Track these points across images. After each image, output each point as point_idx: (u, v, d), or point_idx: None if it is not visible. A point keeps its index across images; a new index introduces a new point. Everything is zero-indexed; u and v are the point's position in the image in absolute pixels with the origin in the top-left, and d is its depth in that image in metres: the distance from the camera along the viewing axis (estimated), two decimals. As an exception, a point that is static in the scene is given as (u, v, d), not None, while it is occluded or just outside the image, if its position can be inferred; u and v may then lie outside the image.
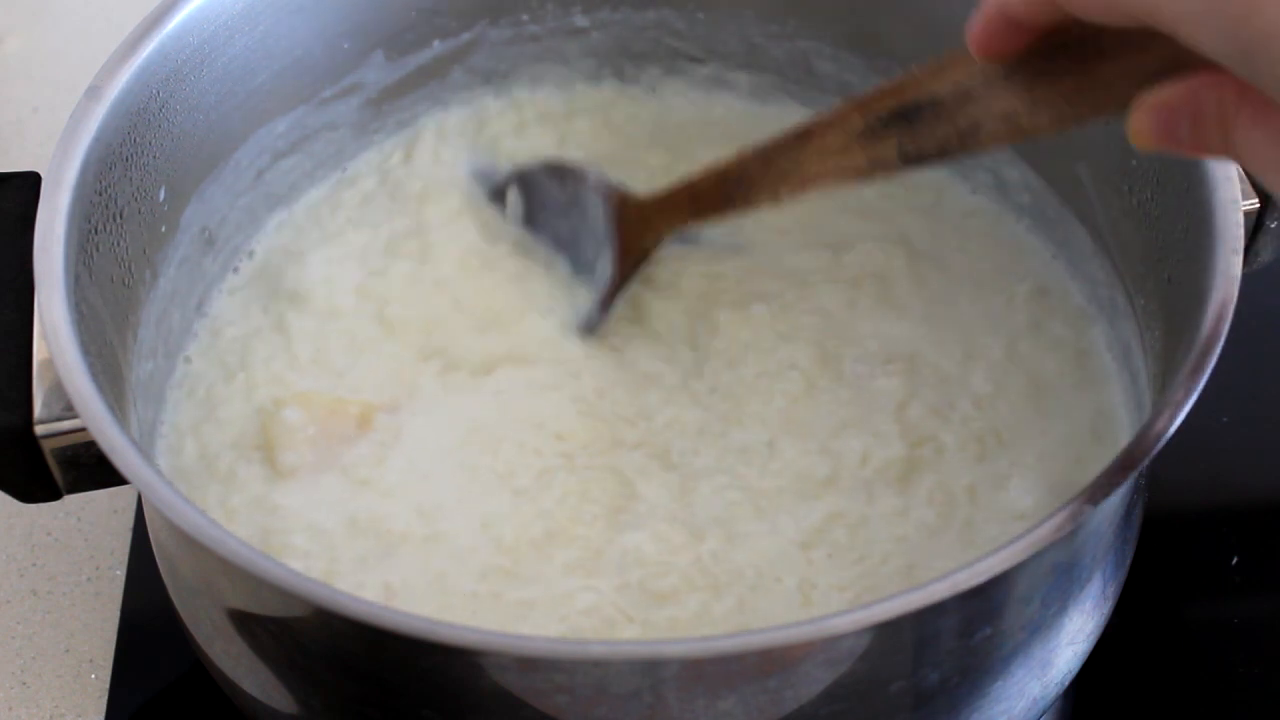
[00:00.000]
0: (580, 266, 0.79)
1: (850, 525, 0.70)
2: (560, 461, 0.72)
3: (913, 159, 0.63)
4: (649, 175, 0.83)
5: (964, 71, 0.60)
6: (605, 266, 0.77)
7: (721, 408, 0.74)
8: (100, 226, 0.67)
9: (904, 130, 0.62)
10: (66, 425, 0.64)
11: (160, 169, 0.71)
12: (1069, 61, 0.56)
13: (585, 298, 0.78)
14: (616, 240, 0.77)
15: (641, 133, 0.85)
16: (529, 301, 0.77)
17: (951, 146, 0.61)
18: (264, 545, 0.69)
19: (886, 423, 0.73)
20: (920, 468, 0.71)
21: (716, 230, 0.80)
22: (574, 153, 0.84)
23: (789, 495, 0.71)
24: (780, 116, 0.86)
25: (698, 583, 0.68)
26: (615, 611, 0.67)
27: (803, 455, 0.72)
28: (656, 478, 0.71)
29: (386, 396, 0.74)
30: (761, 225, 0.81)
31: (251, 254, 0.80)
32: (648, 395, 0.74)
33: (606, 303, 0.77)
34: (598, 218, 0.78)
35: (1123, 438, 0.72)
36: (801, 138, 0.67)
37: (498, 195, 0.82)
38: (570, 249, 0.79)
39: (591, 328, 0.77)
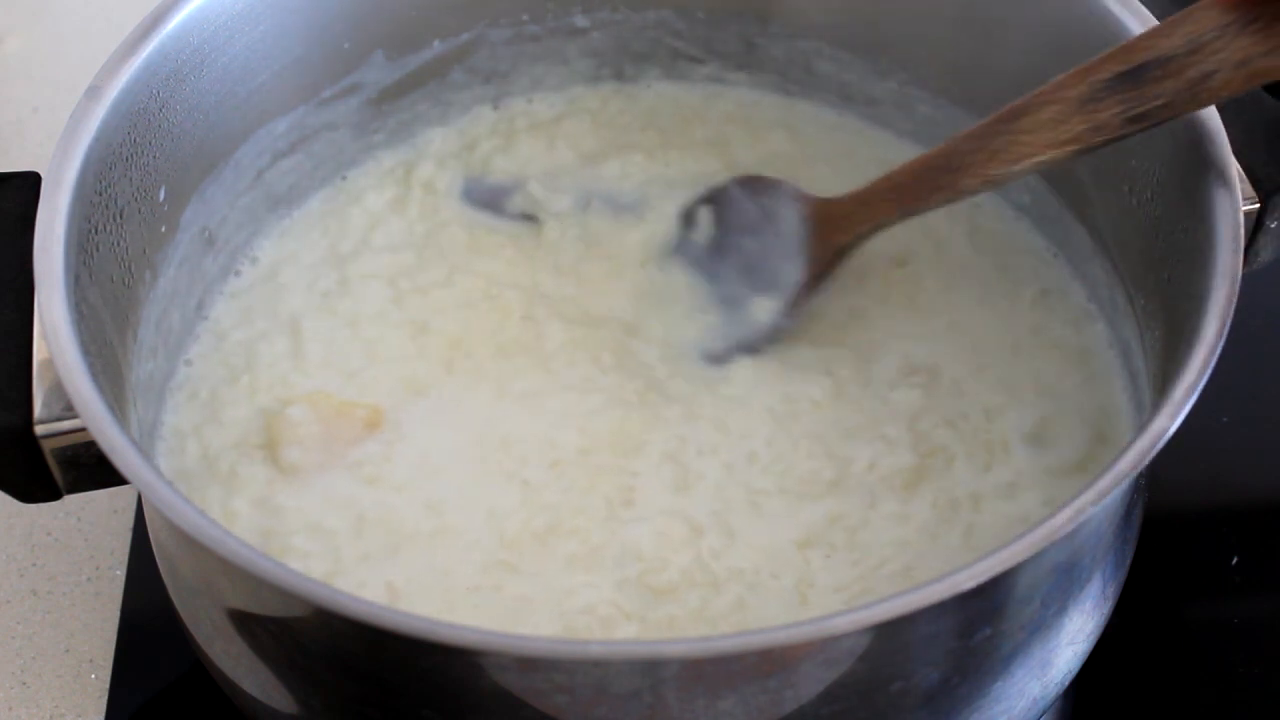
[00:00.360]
0: (760, 287, 0.76)
1: (850, 527, 0.70)
2: (573, 455, 0.72)
3: (1137, 119, 0.62)
4: (645, 156, 0.83)
5: (1196, 25, 0.60)
6: (794, 272, 0.75)
7: (727, 407, 0.74)
8: (100, 226, 0.67)
9: (1129, 91, 0.62)
10: (66, 425, 0.64)
11: (160, 169, 0.71)
12: None
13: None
14: (809, 242, 0.75)
15: (634, 122, 0.85)
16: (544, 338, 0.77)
17: (1179, 100, 0.61)
18: (264, 546, 0.69)
19: (897, 428, 0.73)
20: (927, 474, 0.71)
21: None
22: (564, 153, 0.84)
23: (791, 495, 0.71)
24: (780, 107, 0.86)
25: (696, 579, 0.68)
26: (613, 608, 0.67)
27: (808, 458, 0.72)
28: (661, 473, 0.71)
29: (396, 399, 0.74)
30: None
31: (255, 260, 0.80)
32: (667, 393, 0.74)
33: (794, 307, 0.75)
34: (790, 224, 0.76)
35: (1124, 438, 0.72)
36: (1015, 113, 0.66)
37: (488, 204, 0.82)
38: (753, 272, 0.77)
39: (763, 342, 0.75)
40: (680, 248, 0.79)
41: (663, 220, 0.80)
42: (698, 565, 0.68)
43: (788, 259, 0.76)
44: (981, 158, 0.67)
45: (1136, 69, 0.62)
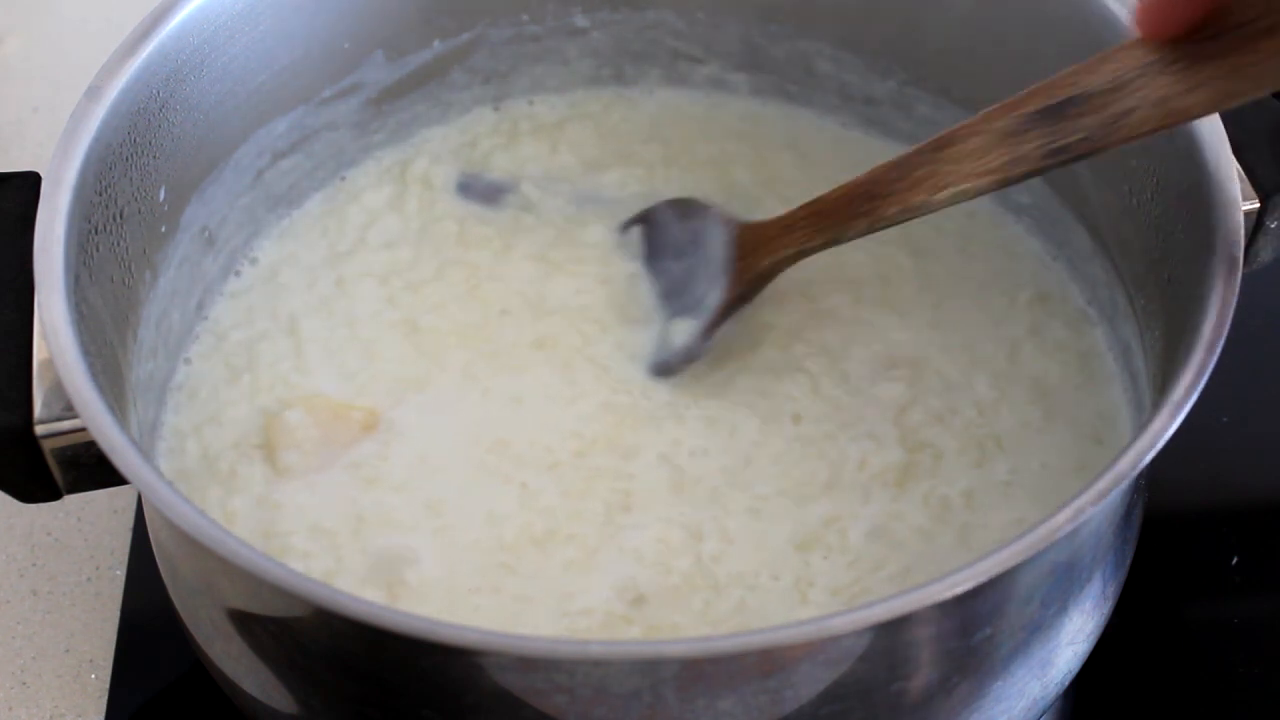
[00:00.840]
0: (682, 310, 0.76)
1: (845, 529, 0.70)
2: (568, 458, 0.72)
3: (1056, 153, 0.63)
4: (646, 169, 0.83)
5: (1120, 64, 0.61)
6: (715, 295, 0.75)
7: (724, 409, 0.74)
8: (100, 226, 0.67)
9: (1050, 125, 0.62)
10: (66, 425, 0.64)
11: (160, 169, 0.71)
12: (1233, 40, 0.57)
13: (640, 340, 0.77)
14: (732, 265, 0.75)
15: (637, 132, 0.86)
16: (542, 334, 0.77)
17: (1097, 136, 0.61)
18: (264, 546, 0.69)
19: (885, 426, 0.73)
20: (918, 473, 0.71)
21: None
22: (566, 158, 0.84)
23: (789, 497, 0.71)
24: (781, 117, 0.86)
25: (697, 583, 0.68)
26: (615, 614, 0.67)
27: (803, 459, 0.72)
28: (657, 477, 0.71)
29: (392, 399, 0.74)
30: (765, 215, 0.81)
31: (254, 260, 0.80)
32: (653, 397, 0.74)
33: (709, 330, 0.75)
34: (716, 248, 0.76)
35: (1124, 439, 0.72)
36: (939, 144, 0.66)
37: (482, 198, 0.82)
38: (677, 295, 0.77)
39: (679, 364, 0.75)
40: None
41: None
42: (698, 569, 0.68)
43: (710, 283, 0.76)
44: (903, 186, 0.67)
45: (1059, 104, 0.62)
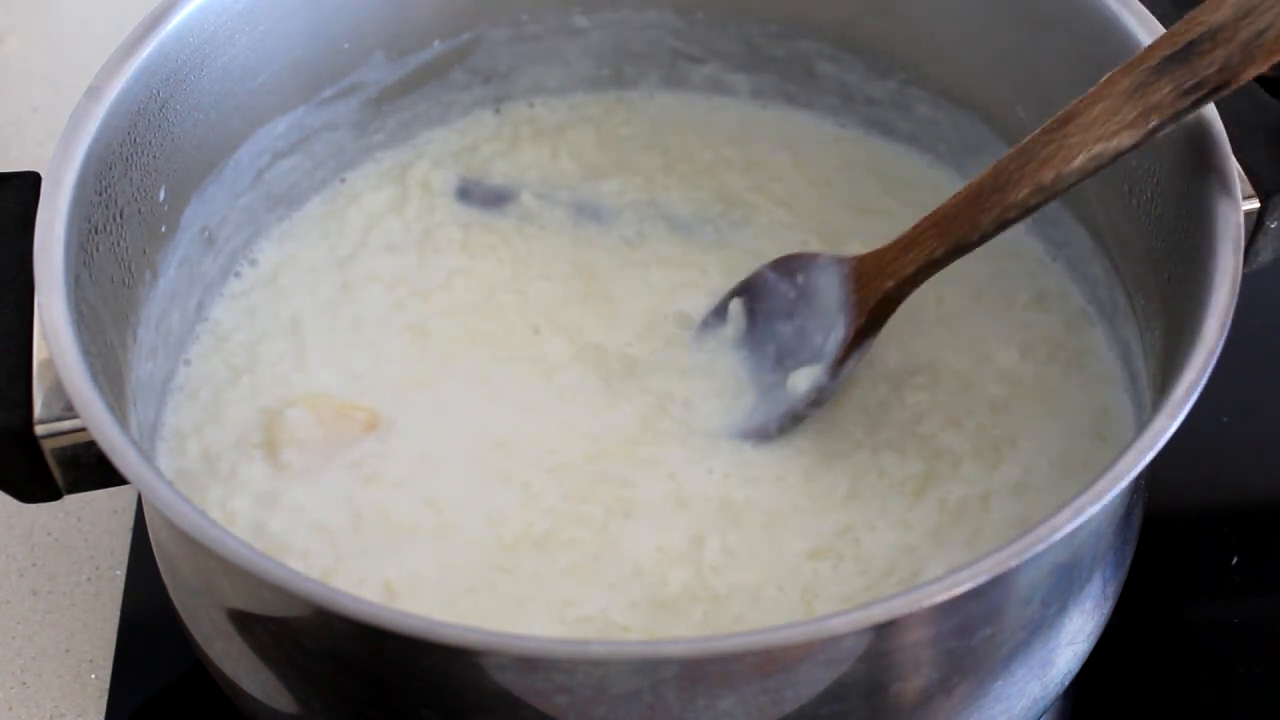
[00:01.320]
0: (799, 364, 0.73)
1: (858, 537, 0.69)
2: (574, 459, 0.72)
3: (1191, 91, 0.60)
4: (645, 178, 0.83)
5: None
6: (836, 335, 0.72)
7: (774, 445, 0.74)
8: (100, 226, 0.67)
9: (1179, 68, 0.60)
10: (66, 425, 0.64)
11: (160, 169, 0.71)
12: None
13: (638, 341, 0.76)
14: (849, 300, 0.71)
15: (636, 137, 0.85)
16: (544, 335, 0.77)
17: (1232, 63, 0.60)
18: (263, 545, 0.69)
19: (901, 433, 0.73)
20: (937, 480, 0.71)
21: (718, 231, 0.80)
22: (566, 164, 0.84)
23: (803, 509, 0.70)
24: (780, 120, 0.86)
25: (698, 594, 0.68)
26: (616, 621, 0.67)
27: (817, 466, 0.72)
28: (663, 485, 0.71)
29: (396, 401, 0.74)
30: (761, 220, 0.81)
31: (254, 261, 0.80)
32: (666, 406, 0.74)
33: (835, 367, 0.72)
34: (830, 293, 0.72)
35: (1124, 438, 0.72)
36: (1062, 120, 0.63)
37: (483, 204, 0.82)
38: (793, 353, 0.74)
39: (805, 410, 0.72)
40: (708, 332, 0.77)
41: (652, 257, 0.80)
42: (699, 581, 0.68)
43: (830, 327, 0.73)
44: (1031, 167, 0.64)
45: (1185, 47, 0.60)
